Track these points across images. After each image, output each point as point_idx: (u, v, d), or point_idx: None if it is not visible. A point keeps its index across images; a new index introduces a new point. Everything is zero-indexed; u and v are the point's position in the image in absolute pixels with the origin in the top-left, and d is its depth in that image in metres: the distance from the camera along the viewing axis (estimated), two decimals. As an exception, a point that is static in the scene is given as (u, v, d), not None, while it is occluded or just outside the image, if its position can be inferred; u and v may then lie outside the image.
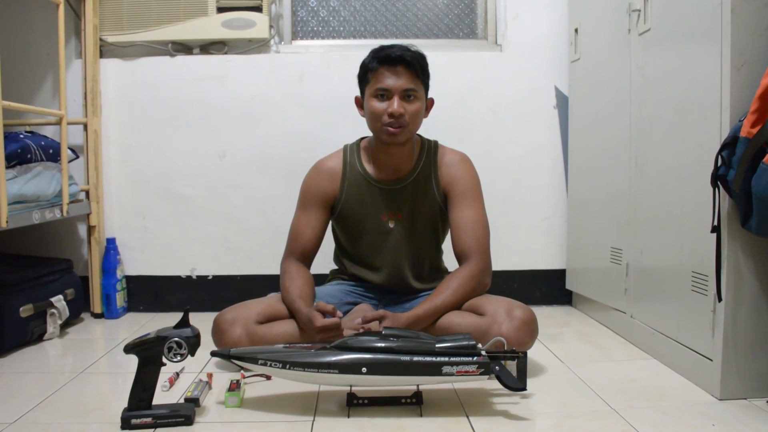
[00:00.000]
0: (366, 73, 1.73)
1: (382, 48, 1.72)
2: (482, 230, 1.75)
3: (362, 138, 1.88)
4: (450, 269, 1.85)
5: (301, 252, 1.79)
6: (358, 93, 1.81)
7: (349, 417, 1.38)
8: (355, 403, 1.42)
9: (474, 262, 1.70)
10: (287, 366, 1.37)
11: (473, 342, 1.39)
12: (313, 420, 1.36)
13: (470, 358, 1.35)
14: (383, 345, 1.38)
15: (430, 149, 1.83)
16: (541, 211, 2.49)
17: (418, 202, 1.80)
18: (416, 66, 1.69)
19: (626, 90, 1.91)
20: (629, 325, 1.93)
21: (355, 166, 1.83)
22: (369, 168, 1.82)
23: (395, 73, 1.68)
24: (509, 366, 1.40)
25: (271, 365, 1.38)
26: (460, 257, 1.74)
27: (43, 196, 2.02)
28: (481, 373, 1.35)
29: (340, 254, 1.96)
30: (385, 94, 1.69)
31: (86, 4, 2.28)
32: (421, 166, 1.81)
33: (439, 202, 1.80)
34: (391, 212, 1.81)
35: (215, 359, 1.76)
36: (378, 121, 1.71)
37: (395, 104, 1.67)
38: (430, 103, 1.81)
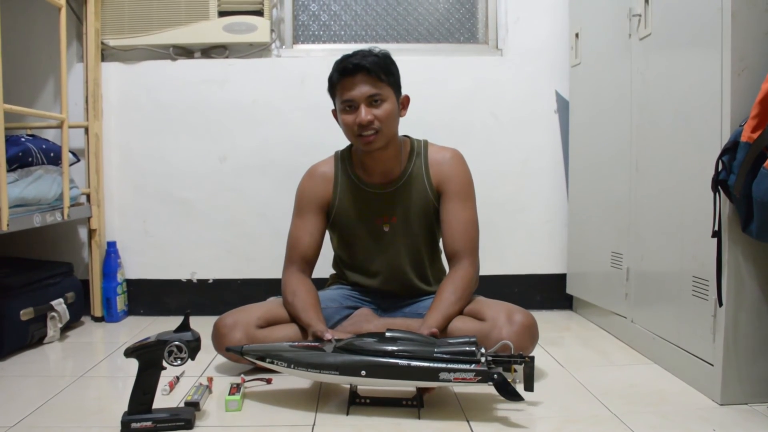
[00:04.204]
0: (333, 87, 1.73)
1: (342, 59, 1.70)
2: (473, 231, 1.76)
3: (352, 144, 1.88)
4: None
5: (301, 259, 1.78)
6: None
7: (348, 414, 1.40)
8: (357, 402, 1.43)
9: (468, 263, 1.72)
10: (292, 365, 1.41)
11: (473, 348, 1.38)
12: (314, 424, 1.36)
13: (468, 366, 1.35)
14: (388, 348, 1.39)
15: (420, 149, 1.83)
16: (542, 216, 2.49)
17: (412, 203, 1.80)
18: (376, 70, 1.66)
19: (627, 94, 1.91)
20: (630, 330, 1.93)
21: (347, 171, 1.83)
22: (360, 173, 1.82)
23: (356, 83, 1.66)
24: (516, 370, 1.40)
25: (277, 364, 1.43)
26: (452, 257, 1.75)
27: (44, 199, 2.02)
28: (479, 381, 1.35)
29: (338, 261, 1.96)
30: (351, 105, 1.68)
31: (88, 8, 2.28)
32: (411, 168, 1.81)
33: (433, 200, 1.80)
34: (385, 216, 1.81)
35: (215, 363, 1.77)
36: (351, 133, 1.71)
37: (362, 113, 1.66)
38: (405, 101, 1.79)
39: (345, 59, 1.69)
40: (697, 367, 1.53)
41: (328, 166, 1.85)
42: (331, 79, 1.73)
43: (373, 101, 1.67)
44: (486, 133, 2.45)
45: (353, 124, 1.68)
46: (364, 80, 1.66)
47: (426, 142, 1.85)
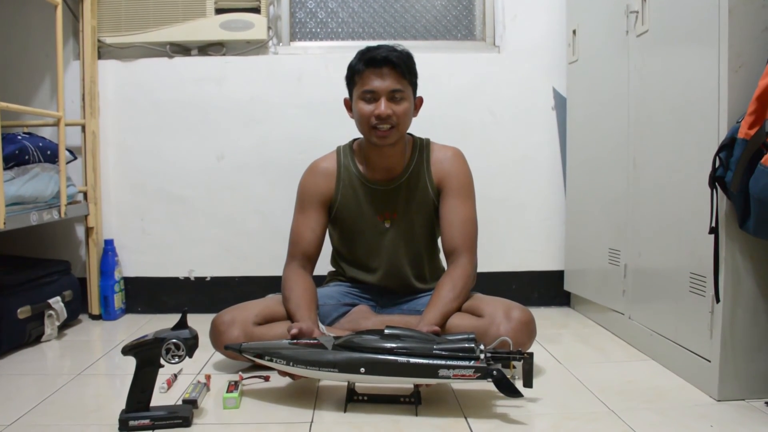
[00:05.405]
0: (353, 76, 1.73)
1: (368, 49, 1.71)
2: (472, 228, 1.77)
3: (354, 140, 1.88)
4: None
5: (303, 255, 1.79)
6: (354, 95, 1.81)
7: (345, 412, 1.40)
8: (355, 399, 1.44)
9: (466, 260, 1.72)
10: (290, 363, 1.41)
11: (472, 345, 1.38)
12: (311, 422, 1.37)
13: (468, 362, 1.35)
14: (387, 345, 1.39)
15: (422, 147, 1.84)
16: (540, 213, 2.49)
17: (413, 200, 1.81)
18: (402, 66, 1.69)
19: (624, 91, 1.91)
20: (627, 327, 1.94)
21: (349, 167, 1.83)
22: (362, 169, 1.82)
23: (381, 75, 1.68)
24: (515, 366, 1.40)
25: (276, 361, 1.42)
26: (450, 254, 1.76)
27: (41, 197, 2.02)
28: (478, 378, 1.35)
29: (337, 257, 1.96)
30: (372, 96, 1.69)
31: (84, 6, 2.28)
32: (413, 165, 1.81)
33: (434, 198, 1.81)
34: (387, 212, 1.82)
35: (213, 360, 1.77)
36: (366, 124, 1.71)
37: (382, 106, 1.67)
38: (419, 102, 1.81)
39: (372, 50, 1.70)
40: (695, 363, 1.53)
41: (330, 161, 1.85)
42: (353, 68, 1.73)
43: (394, 96, 1.69)
44: (484, 130, 2.45)
45: (370, 115, 1.68)
46: (389, 74, 1.68)
47: (428, 141, 1.86)
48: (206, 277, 2.46)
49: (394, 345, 1.39)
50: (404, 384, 1.43)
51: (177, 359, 1.30)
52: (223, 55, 2.44)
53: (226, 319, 1.67)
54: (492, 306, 1.64)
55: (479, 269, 1.78)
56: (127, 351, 1.30)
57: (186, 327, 1.32)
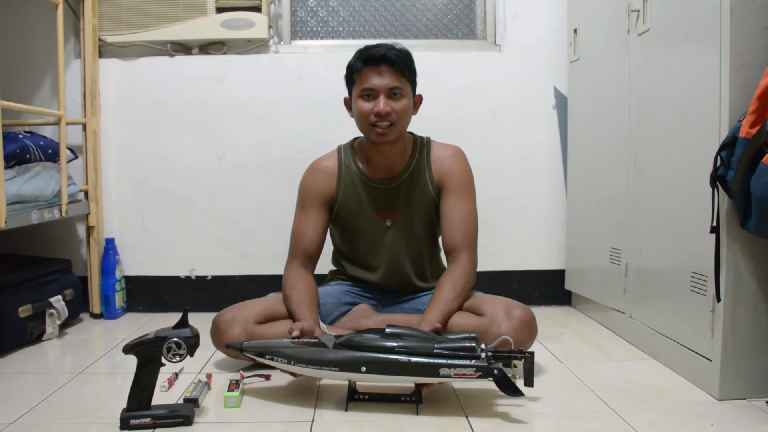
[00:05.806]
0: (352, 74, 1.74)
1: (366, 48, 1.72)
2: (472, 226, 1.77)
3: (355, 138, 1.89)
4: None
5: (304, 254, 1.79)
6: (354, 93, 1.81)
7: (346, 411, 1.40)
8: (356, 398, 1.44)
9: (466, 258, 1.72)
10: (292, 362, 1.41)
11: (473, 344, 1.38)
12: (312, 420, 1.37)
13: (468, 362, 1.35)
14: (388, 344, 1.39)
15: (423, 146, 1.84)
16: (541, 212, 2.49)
17: (414, 199, 1.81)
18: (400, 64, 1.69)
19: (625, 90, 1.91)
20: (628, 326, 1.94)
21: (350, 166, 1.83)
22: (363, 168, 1.83)
23: (379, 73, 1.68)
24: (516, 365, 1.40)
25: (278, 360, 1.42)
26: (450, 251, 1.76)
27: (41, 196, 2.02)
28: (479, 377, 1.35)
29: (338, 256, 1.96)
30: (371, 94, 1.69)
31: (85, 4, 2.28)
32: (414, 164, 1.81)
33: (434, 197, 1.81)
34: (388, 211, 1.82)
35: (214, 359, 1.77)
36: (366, 122, 1.71)
37: (381, 103, 1.68)
38: (418, 100, 1.81)
39: (370, 49, 1.71)
40: (696, 362, 1.53)
41: (331, 160, 1.86)
42: (351, 67, 1.74)
43: (392, 94, 1.69)
44: (484, 129, 2.45)
45: (370, 113, 1.69)
46: (387, 71, 1.68)
47: (428, 139, 1.86)
48: (207, 276, 2.46)
49: (395, 344, 1.39)
50: (405, 383, 1.43)
51: (178, 358, 1.30)
52: (224, 53, 2.44)
53: (227, 317, 1.67)
54: (493, 305, 1.64)
55: (480, 268, 1.78)
56: (128, 350, 1.30)
57: (187, 326, 1.32)
